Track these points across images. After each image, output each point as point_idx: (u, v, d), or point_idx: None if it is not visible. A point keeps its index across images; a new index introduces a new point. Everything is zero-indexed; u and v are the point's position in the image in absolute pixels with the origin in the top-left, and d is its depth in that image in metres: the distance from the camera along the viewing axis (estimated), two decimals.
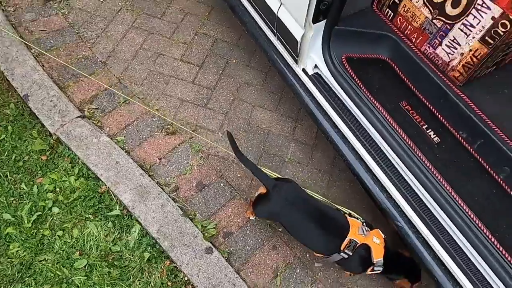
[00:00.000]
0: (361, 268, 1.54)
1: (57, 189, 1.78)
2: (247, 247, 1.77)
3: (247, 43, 2.45)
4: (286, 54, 1.82)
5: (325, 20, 1.53)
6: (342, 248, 1.48)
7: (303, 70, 1.77)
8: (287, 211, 1.53)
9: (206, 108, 2.16)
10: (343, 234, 1.49)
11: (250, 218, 1.81)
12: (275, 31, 1.79)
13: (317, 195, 1.74)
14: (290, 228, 1.58)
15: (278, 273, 1.72)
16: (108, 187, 1.76)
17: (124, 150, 1.92)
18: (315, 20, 1.51)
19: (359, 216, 1.63)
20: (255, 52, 2.42)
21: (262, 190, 1.61)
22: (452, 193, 1.34)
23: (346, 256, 1.49)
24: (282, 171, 2.02)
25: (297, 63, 1.77)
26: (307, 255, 1.80)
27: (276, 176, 1.69)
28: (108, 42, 2.31)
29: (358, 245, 1.48)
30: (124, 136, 1.98)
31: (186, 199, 1.85)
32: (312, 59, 1.70)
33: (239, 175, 1.97)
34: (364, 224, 1.58)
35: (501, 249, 1.23)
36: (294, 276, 1.73)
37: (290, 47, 1.73)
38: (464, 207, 1.30)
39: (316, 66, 1.73)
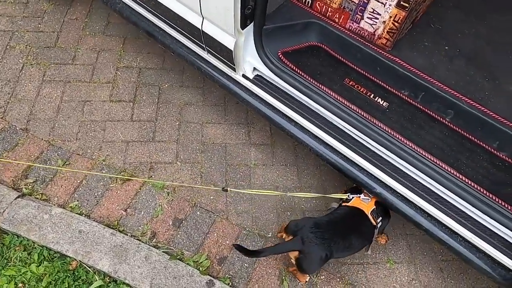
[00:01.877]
0: (386, 222, 1.64)
1: (20, 285, 1.55)
2: (245, 265, 1.73)
3: (173, 64, 2.37)
4: (221, 65, 1.80)
5: (252, 23, 1.54)
6: (376, 225, 1.57)
7: (243, 75, 1.76)
8: (331, 246, 1.45)
9: (155, 141, 2.05)
10: (366, 218, 1.56)
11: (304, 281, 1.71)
12: (204, 46, 1.75)
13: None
14: (342, 253, 1.54)
15: (283, 277, 1.71)
16: (80, 261, 1.58)
17: (83, 215, 1.74)
18: (243, 25, 1.51)
19: (344, 196, 1.68)
20: (184, 70, 2.36)
21: (293, 254, 1.48)
22: (415, 147, 1.44)
23: (378, 227, 1.58)
24: (252, 178, 2.01)
25: (235, 71, 1.76)
26: None
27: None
28: (22, 106, 2.07)
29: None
30: (77, 201, 1.79)
31: (167, 241, 1.74)
32: (250, 62, 1.70)
33: (211, 197, 1.91)
34: (359, 196, 1.64)
35: (470, 182, 1.36)
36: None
37: (225, 57, 1.71)
38: (429, 157, 1.41)
39: (255, 69, 1.73)
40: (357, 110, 1.51)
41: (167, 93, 2.25)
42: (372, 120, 1.50)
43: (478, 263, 1.43)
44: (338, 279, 1.75)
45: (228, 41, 1.59)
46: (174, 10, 1.71)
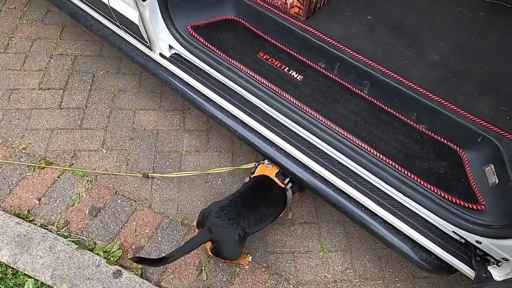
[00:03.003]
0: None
1: None
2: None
3: (111, 51, 2.28)
4: (138, 44, 1.71)
5: None
6: (286, 187, 1.49)
7: (161, 54, 1.66)
8: (241, 224, 1.36)
9: (82, 129, 1.95)
10: (272, 182, 1.49)
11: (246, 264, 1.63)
12: (118, 24, 1.66)
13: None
14: (256, 227, 1.43)
15: (203, 268, 1.60)
16: None
17: None
18: None
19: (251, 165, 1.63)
20: (122, 57, 2.26)
21: (208, 245, 1.38)
22: (325, 121, 1.33)
23: (288, 189, 1.50)
24: (182, 165, 1.90)
25: (151, 49, 1.66)
26: None
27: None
28: None
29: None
30: None
31: (81, 230, 1.64)
32: (164, 40, 1.60)
33: (135, 185, 1.81)
34: (263, 162, 1.59)
35: (381, 156, 1.25)
36: (220, 263, 1.62)
37: (137, 35, 1.61)
38: (339, 130, 1.30)
39: (171, 47, 1.63)
40: (268, 84, 1.40)
41: (101, 80, 2.16)
42: (283, 94, 1.39)
43: (399, 246, 1.30)
44: (263, 269, 1.63)
45: (132, 15, 1.50)
46: None
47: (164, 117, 2.05)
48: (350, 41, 1.43)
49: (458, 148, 1.28)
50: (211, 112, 1.59)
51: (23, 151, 1.84)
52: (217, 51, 1.49)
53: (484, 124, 1.24)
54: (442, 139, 1.30)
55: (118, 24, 1.66)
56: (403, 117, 1.35)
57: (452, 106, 1.28)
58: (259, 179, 1.51)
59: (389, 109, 1.36)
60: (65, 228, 1.63)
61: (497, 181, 1.15)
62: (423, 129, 1.33)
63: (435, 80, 1.35)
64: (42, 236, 1.54)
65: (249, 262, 1.63)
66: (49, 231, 1.58)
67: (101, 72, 2.19)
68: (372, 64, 1.36)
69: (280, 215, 1.55)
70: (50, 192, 1.73)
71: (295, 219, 1.79)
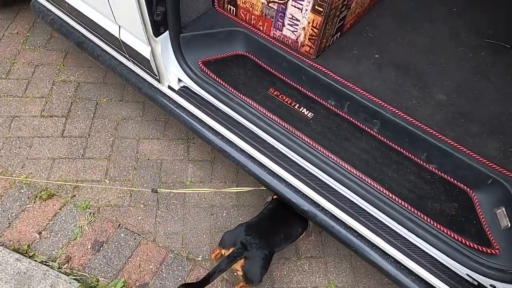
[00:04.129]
0: None
1: None
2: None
3: (115, 78, 2.28)
4: (147, 76, 1.71)
5: (167, 31, 1.46)
6: None
7: (169, 87, 1.66)
8: (270, 242, 1.44)
9: (84, 158, 1.92)
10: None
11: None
12: (127, 56, 1.67)
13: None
14: (282, 246, 1.53)
15: None
16: None
17: None
18: (156, 33, 1.43)
19: None
20: (125, 85, 2.26)
21: (238, 265, 1.40)
22: (336, 160, 1.33)
23: None
24: (186, 196, 1.88)
25: (160, 82, 1.67)
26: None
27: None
28: None
29: None
30: None
31: (83, 266, 1.59)
32: (173, 73, 1.61)
33: (139, 217, 1.77)
34: None
35: (394, 197, 1.25)
36: None
37: (147, 68, 1.62)
38: (351, 170, 1.31)
39: (180, 80, 1.64)
40: (278, 121, 1.41)
41: (104, 108, 2.14)
42: (294, 131, 1.40)
43: (411, 286, 1.29)
44: None
45: (144, 50, 1.51)
46: (93, 19, 1.63)
47: (168, 147, 2.04)
48: (360, 80, 1.46)
49: (468, 189, 1.30)
50: (220, 146, 1.58)
51: (23, 181, 1.79)
52: (228, 87, 1.50)
53: (493, 166, 1.26)
54: (452, 180, 1.32)
55: (127, 56, 1.67)
56: (413, 157, 1.37)
57: (461, 147, 1.30)
58: (281, 199, 1.54)
59: (399, 149, 1.38)
60: (66, 265, 1.57)
61: (509, 224, 1.16)
62: (433, 169, 1.34)
63: (443, 121, 1.38)
64: (43, 273, 1.48)
65: None
66: (51, 267, 1.53)
67: (105, 100, 2.18)
68: (381, 103, 1.39)
69: (301, 236, 1.65)
70: (51, 225, 1.68)
71: (301, 253, 1.77)
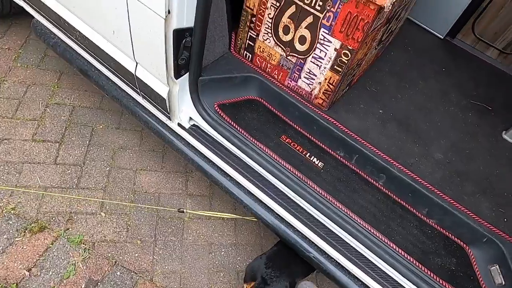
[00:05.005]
0: None
1: None
2: None
3: (112, 104, 2.24)
4: (157, 112, 1.70)
5: (187, 73, 1.48)
6: None
7: (179, 124, 1.67)
8: (289, 275, 1.47)
9: (79, 188, 1.85)
10: None
11: None
12: (139, 91, 1.66)
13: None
14: (302, 274, 1.56)
15: None
16: None
17: None
18: (177, 75, 1.44)
19: None
20: (123, 112, 2.22)
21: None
22: (348, 212, 1.40)
23: None
24: (185, 232, 1.85)
25: (170, 119, 1.67)
26: None
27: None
28: None
29: None
30: None
31: None
32: (185, 112, 1.62)
33: (136, 254, 1.72)
34: None
35: (400, 251, 1.33)
36: None
37: (159, 105, 1.62)
38: (361, 223, 1.37)
39: (191, 119, 1.65)
40: (292, 170, 1.46)
41: (100, 135, 2.09)
42: (306, 181, 1.45)
43: None
44: None
45: (161, 89, 1.51)
46: (108, 52, 1.61)
47: (166, 180, 2.02)
48: (367, 135, 1.55)
49: (465, 246, 1.40)
50: (227, 187, 1.60)
51: (12, 212, 1.69)
52: (242, 131, 1.53)
53: (487, 225, 1.38)
54: (450, 236, 1.43)
55: (138, 91, 1.66)
56: (415, 211, 1.46)
57: (458, 206, 1.42)
58: None
59: (403, 203, 1.47)
60: None
61: (503, 282, 1.27)
62: (434, 224, 1.44)
63: (443, 179, 1.50)
64: None
65: None
66: None
67: (101, 126, 2.13)
68: (387, 159, 1.48)
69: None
70: (42, 261, 1.59)
71: None
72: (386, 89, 1.82)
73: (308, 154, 1.54)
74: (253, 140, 1.52)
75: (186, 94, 1.57)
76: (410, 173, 1.46)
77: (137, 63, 1.53)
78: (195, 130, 1.65)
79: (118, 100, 1.79)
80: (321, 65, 1.45)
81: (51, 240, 1.65)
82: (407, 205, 1.47)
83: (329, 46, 1.38)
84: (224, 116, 1.56)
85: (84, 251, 1.65)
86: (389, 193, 1.49)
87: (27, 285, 1.51)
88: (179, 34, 1.28)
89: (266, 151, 1.50)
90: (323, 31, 1.35)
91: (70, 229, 1.71)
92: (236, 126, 1.55)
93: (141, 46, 1.43)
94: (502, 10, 2.14)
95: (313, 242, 1.47)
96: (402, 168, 1.47)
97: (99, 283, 1.59)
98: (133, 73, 1.56)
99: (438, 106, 1.84)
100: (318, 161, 1.53)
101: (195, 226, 1.89)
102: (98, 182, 1.90)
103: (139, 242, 1.76)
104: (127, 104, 1.77)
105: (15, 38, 2.38)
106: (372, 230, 1.36)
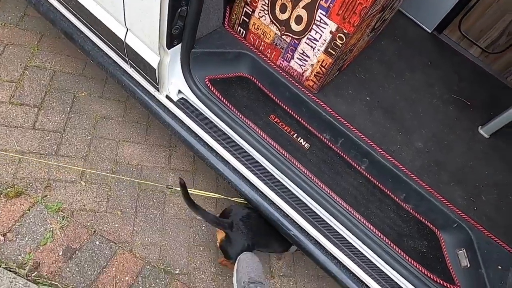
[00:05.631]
0: None
1: None
2: None
3: (96, 72, 2.16)
4: (145, 82, 1.66)
5: (180, 44, 1.45)
6: None
7: (167, 97, 1.64)
8: (254, 238, 1.55)
9: (58, 155, 1.80)
10: None
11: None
12: (127, 60, 1.61)
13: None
14: (260, 248, 1.62)
15: None
16: None
17: None
18: (170, 45, 1.41)
19: None
20: (107, 80, 2.15)
21: (221, 235, 1.57)
22: (330, 193, 1.44)
23: None
24: (166, 206, 1.85)
25: (159, 91, 1.64)
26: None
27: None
28: None
29: None
30: None
31: (53, 275, 1.49)
32: (175, 84, 1.59)
33: (116, 225, 1.71)
34: None
35: (377, 232, 1.39)
36: None
37: (148, 75, 1.58)
38: (342, 203, 1.42)
39: (180, 91, 1.62)
40: (279, 149, 1.48)
41: (82, 103, 2.02)
42: (292, 160, 1.47)
43: None
44: None
45: (152, 59, 1.48)
46: (97, 16, 1.55)
47: (150, 152, 1.99)
48: (354, 120, 1.59)
49: (436, 230, 1.49)
50: (213, 162, 1.60)
51: None
52: (231, 107, 1.53)
53: (458, 212, 1.46)
54: (424, 220, 1.50)
55: (127, 59, 1.61)
56: (394, 196, 1.52)
57: (434, 193, 1.49)
58: None
59: (382, 187, 1.53)
60: (35, 272, 1.46)
61: (468, 264, 1.36)
62: (409, 209, 1.51)
63: (422, 167, 1.56)
64: (10, 281, 1.37)
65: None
66: (18, 275, 1.41)
67: (83, 94, 2.05)
68: (372, 144, 1.53)
69: (279, 253, 1.82)
70: (18, 227, 1.55)
71: (274, 271, 1.85)
72: (374, 77, 1.85)
73: (296, 134, 1.56)
74: (242, 117, 1.52)
75: (177, 66, 1.54)
76: (391, 159, 1.52)
77: (127, 29, 1.48)
78: (183, 104, 1.63)
79: (104, 67, 1.73)
80: (315, 47, 1.46)
81: (27, 206, 1.61)
82: (386, 190, 1.53)
83: (325, 29, 1.38)
84: (214, 91, 1.55)
85: (63, 219, 1.62)
86: (371, 177, 1.54)
87: (2, 250, 1.48)
88: (176, 2, 1.25)
89: (255, 129, 1.51)
90: (320, 13, 1.35)
91: (48, 196, 1.67)
92: (226, 102, 1.54)
93: (133, 12, 1.38)
94: (489, 9, 2.21)
95: (294, 221, 1.51)
96: (385, 154, 1.52)
97: (77, 251, 1.57)
98: (123, 40, 1.51)
99: (422, 98, 1.89)
100: (305, 142, 1.55)
101: (177, 200, 1.89)
102: (78, 151, 1.85)
103: (119, 213, 1.74)
104: (114, 72, 1.72)
105: None
106: (352, 212, 1.42)
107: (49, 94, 1.98)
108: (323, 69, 1.50)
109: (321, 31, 1.40)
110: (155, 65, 1.47)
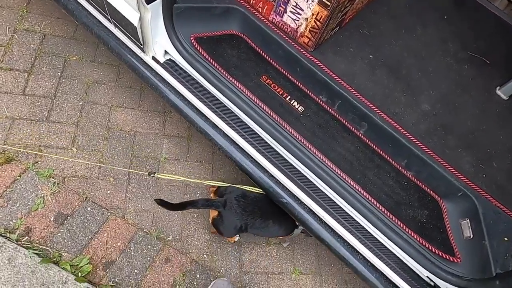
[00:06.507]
0: None
1: None
2: (135, 271, 1.55)
3: (87, 35, 2.07)
4: (130, 43, 1.57)
5: None
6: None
7: (153, 58, 1.54)
8: (248, 219, 1.46)
9: (49, 122, 1.76)
10: None
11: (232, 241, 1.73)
12: (110, 18, 1.51)
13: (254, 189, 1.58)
14: (256, 230, 1.52)
15: (177, 286, 1.56)
16: None
17: None
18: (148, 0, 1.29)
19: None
20: (98, 43, 2.07)
21: (214, 213, 1.50)
22: (324, 159, 1.34)
23: (299, 226, 1.59)
24: (159, 172, 1.81)
25: (144, 52, 1.54)
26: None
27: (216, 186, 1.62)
28: None
29: None
30: None
31: (44, 240, 1.50)
32: (160, 44, 1.49)
33: (108, 191, 1.69)
34: None
35: (373, 201, 1.30)
36: (195, 282, 1.59)
37: (131, 35, 1.48)
38: (336, 170, 1.33)
39: (166, 52, 1.52)
40: (269, 112, 1.38)
41: (74, 67, 1.95)
42: (284, 125, 1.37)
43: (374, 282, 1.38)
44: None
45: (132, 16, 1.37)
46: None
47: (143, 118, 1.93)
48: (353, 80, 1.45)
49: (439, 199, 1.38)
50: (202, 127, 1.52)
51: None
52: (220, 69, 1.42)
53: (464, 180, 1.34)
54: (426, 188, 1.40)
55: (109, 18, 1.51)
56: (394, 162, 1.42)
57: (438, 159, 1.37)
58: None
59: (382, 153, 1.42)
60: (26, 237, 1.47)
61: (471, 235, 1.26)
62: (411, 176, 1.41)
63: (426, 131, 1.43)
64: (0, 246, 1.38)
65: (235, 241, 1.73)
66: (8, 239, 1.42)
67: (74, 58, 1.98)
68: (372, 107, 1.41)
69: (280, 238, 1.71)
70: (9, 193, 1.55)
71: (270, 239, 1.81)
72: (380, 32, 1.68)
73: (289, 97, 1.45)
74: (231, 78, 1.42)
75: (161, 25, 1.43)
76: (393, 122, 1.40)
77: None
78: (170, 65, 1.53)
79: (89, 28, 1.63)
80: None
81: (18, 172, 1.60)
82: (386, 156, 1.42)
83: None
84: (200, 50, 1.44)
85: (54, 185, 1.61)
86: (369, 142, 1.43)
87: None
88: None
89: (244, 91, 1.41)
90: None
91: (39, 162, 1.65)
92: (213, 63, 1.43)
93: None
94: None
95: (287, 188, 1.43)
96: (385, 117, 1.40)
97: (68, 217, 1.57)
98: None
99: (434, 55, 1.72)
100: (299, 105, 1.44)
101: (171, 167, 1.84)
102: (70, 117, 1.81)
103: (111, 180, 1.71)
104: (99, 33, 1.62)
105: None
106: (347, 179, 1.33)
107: (39, 59, 1.91)
108: (318, 23, 1.35)
109: None
110: (135, 23, 1.37)
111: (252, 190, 1.56)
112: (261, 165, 1.46)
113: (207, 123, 1.51)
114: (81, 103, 1.87)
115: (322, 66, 1.44)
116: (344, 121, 1.45)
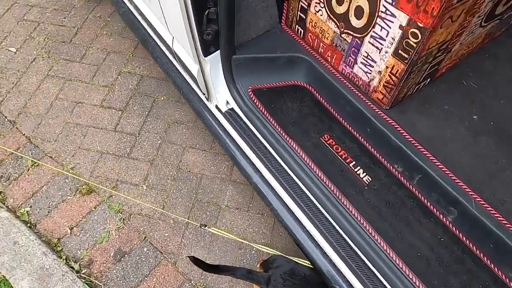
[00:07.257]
0: None
1: None
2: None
3: None
4: (198, 90, 1.57)
5: (218, 51, 1.28)
6: None
7: (217, 107, 1.51)
8: None
9: (129, 158, 1.90)
10: None
11: None
12: (180, 66, 1.55)
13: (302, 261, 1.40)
14: None
15: None
16: (3, 276, 1.49)
17: (28, 225, 1.66)
18: (206, 52, 1.26)
19: None
20: (176, 88, 2.17)
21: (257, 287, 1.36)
22: (388, 251, 1.04)
23: None
24: (218, 221, 1.75)
25: (209, 100, 1.52)
26: None
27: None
28: (20, 97, 2.08)
29: None
30: (31, 207, 1.72)
31: (101, 274, 1.57)
32: (222, 94, 1.45)
33: (166, 234, 1.69)
34: None
35: None
36: None
37: (196, 83, 1.48)
38: (404, 269, 1.01)
39: (228, 102, 1.47)
40: (325, 180, 1.16)
41: (160, 107, 2.09)
42: (340, 198, 1.13)
43: None
44: None
45: (192, 67, 1.37)
46: (152, 23, 1.53)
47: (212, 161, 1.91)
48: (443, 149, 1.11)
49: None
50: (256, 184, 1.39)
51: (70, 171, 1.84)
52: (275, 124, 1.28)
53: None
54: None
55: (180, 66, 1.55)
56: (496, 270, 1.01)
57: None
58: None
59: (478, 254, 1.03)
60: (86, 269, 1.57)
61: None
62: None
63: None
64: (62, 275, 1.50)
65: None
66: (71, 269, 1.54)
67: (162, 98, 2.12)
68: (466, 189, 1.04)
69: None
70: (84, 222, 1.69)
71: None
72: (494, 84, 1.28)
73: (353, 163, 1.20)
74: (285, 136, 1.26)
75: (221, 75, 1.38)
76: (497, 214, 1.00)
77: (173, 36, 1.41)
78: (231, 115, 1.47)
79: (168, 73, 1.72)
80: (381, 48, 1.06)
81: (95, 204, 1.75)
82: (485, 259, 1.02)
83: (393, 22, 0.98)
84: (257, 103, 1.33)
85: (120, 221, 1.70)
86: (460, 235, 1.06)
87: (67, 242, 1.64)
88: (200, 3, 1.08)
89: (299, 151, 1.23)
90: (385, 1, 0.97)
91: (113, 196, 1.78)
92: (269, 116, 1.30)
93: (170, 17, 1.28)
94: None
95: (345, 276, 1.17)
96: (487, 206, 1.01)
97: (126, 255, 1.62)
98: (171, 46, 1.45)
99: None
100: (364, 174, 1.18)
101: (230, 216, 1.76)
102: (147, 154, 1.92)
103: (171, 222, 1.72)
104: (174, 78, 1.68)
105: (106, 7, 2.53)
106: (419, 285, 0.99)
107: (133, 98, 2.11)
108: (393, 77, 1.09)
109: (388, 26, 1.00)
110: (195, 73, 1.36)
111: (305, 264, 1.34)
112: (315, 239, 1.24)
113: (262, 180, 1.38)
114: (159, 141, 1.97)
115: (399, 128, 1.15)
116: (425, 202, 1.11)
